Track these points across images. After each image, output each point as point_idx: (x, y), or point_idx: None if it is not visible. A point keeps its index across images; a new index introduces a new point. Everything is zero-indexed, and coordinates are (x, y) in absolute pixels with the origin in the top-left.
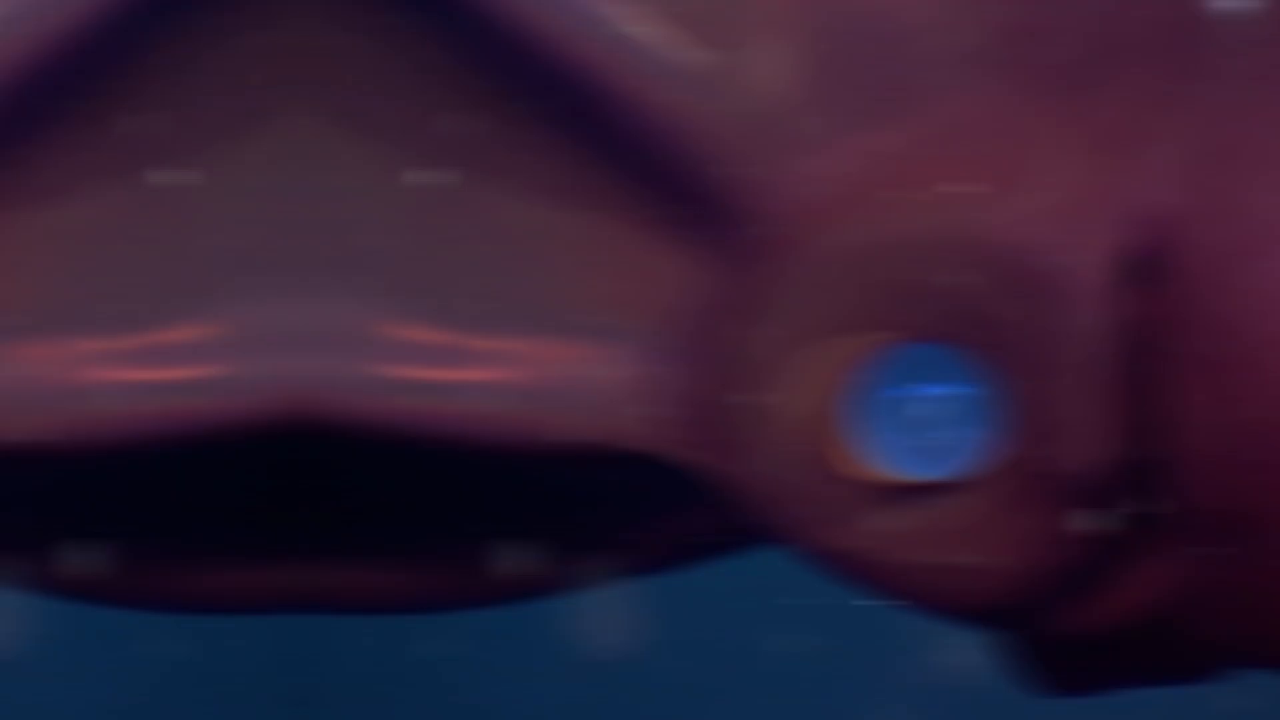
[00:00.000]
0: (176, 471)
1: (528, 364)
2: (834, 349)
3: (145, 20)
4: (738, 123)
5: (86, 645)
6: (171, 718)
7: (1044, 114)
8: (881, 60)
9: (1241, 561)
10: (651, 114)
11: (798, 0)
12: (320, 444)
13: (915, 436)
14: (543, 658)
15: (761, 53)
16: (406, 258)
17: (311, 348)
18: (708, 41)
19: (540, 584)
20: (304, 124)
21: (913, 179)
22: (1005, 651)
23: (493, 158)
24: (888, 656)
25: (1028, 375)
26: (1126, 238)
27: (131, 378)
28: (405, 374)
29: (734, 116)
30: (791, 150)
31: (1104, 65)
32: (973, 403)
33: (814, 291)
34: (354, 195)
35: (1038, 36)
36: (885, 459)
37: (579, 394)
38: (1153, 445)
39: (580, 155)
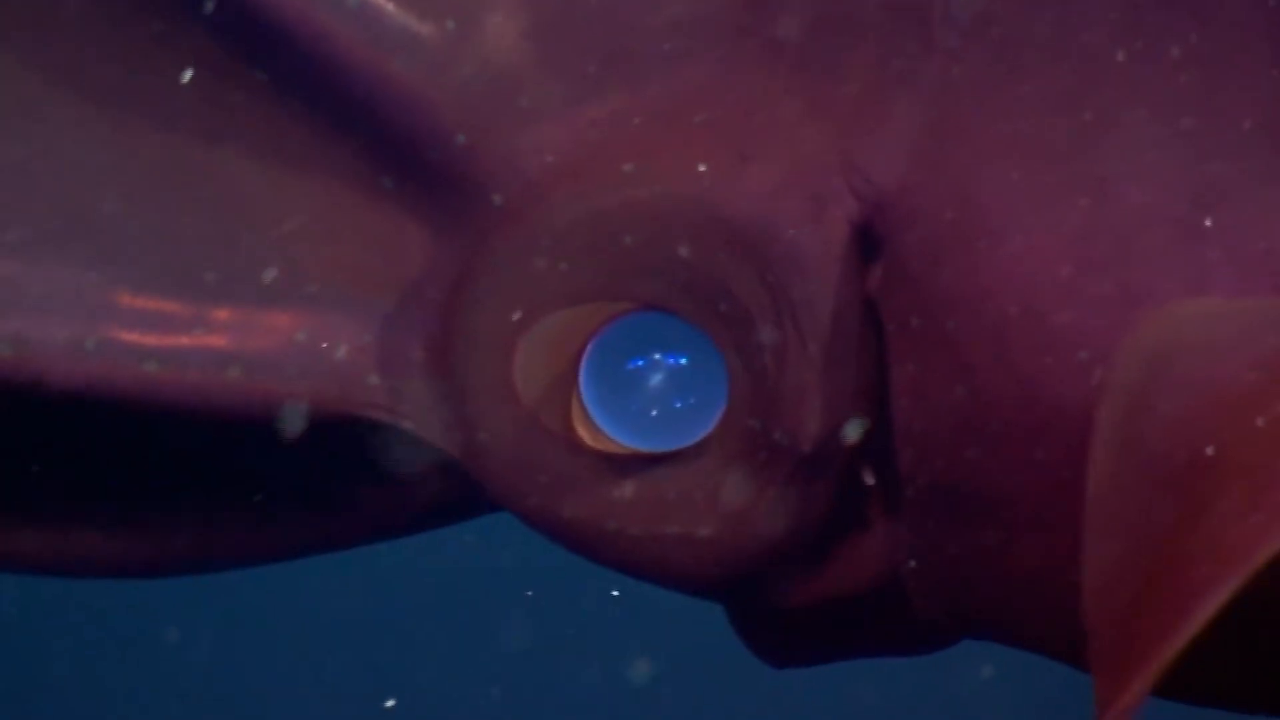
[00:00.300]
0: None
1: (266, 332)
2: (571, 319)
3: None
4: (470, 92)
5: None
6: None
7: (779, 86)
8: (616, 28)
9: (961, 536)
10: (385, 84)
11: None
12: (49, 407)
13: (649, 406)
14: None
15: (493, 21)
16: (140, 223)
17: (39, 311)
18: (439, 11)
19: (262, 550)
20: (22, 83)
21: (648, 148)
22: (732, 622)
23: (227, 125)
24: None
25: (756, 347)
26: (861, 213)
27: None
28: (138, 340)
29: (466, 86)
30: (525, 119)
31: (839, 40)
32: (706, 373)
33: (552, 261)
34: (81, 158)
35: (772, 6)
36: (620, 429)
37: (317, 362)
38: (882, 418)
39: (317, 125)
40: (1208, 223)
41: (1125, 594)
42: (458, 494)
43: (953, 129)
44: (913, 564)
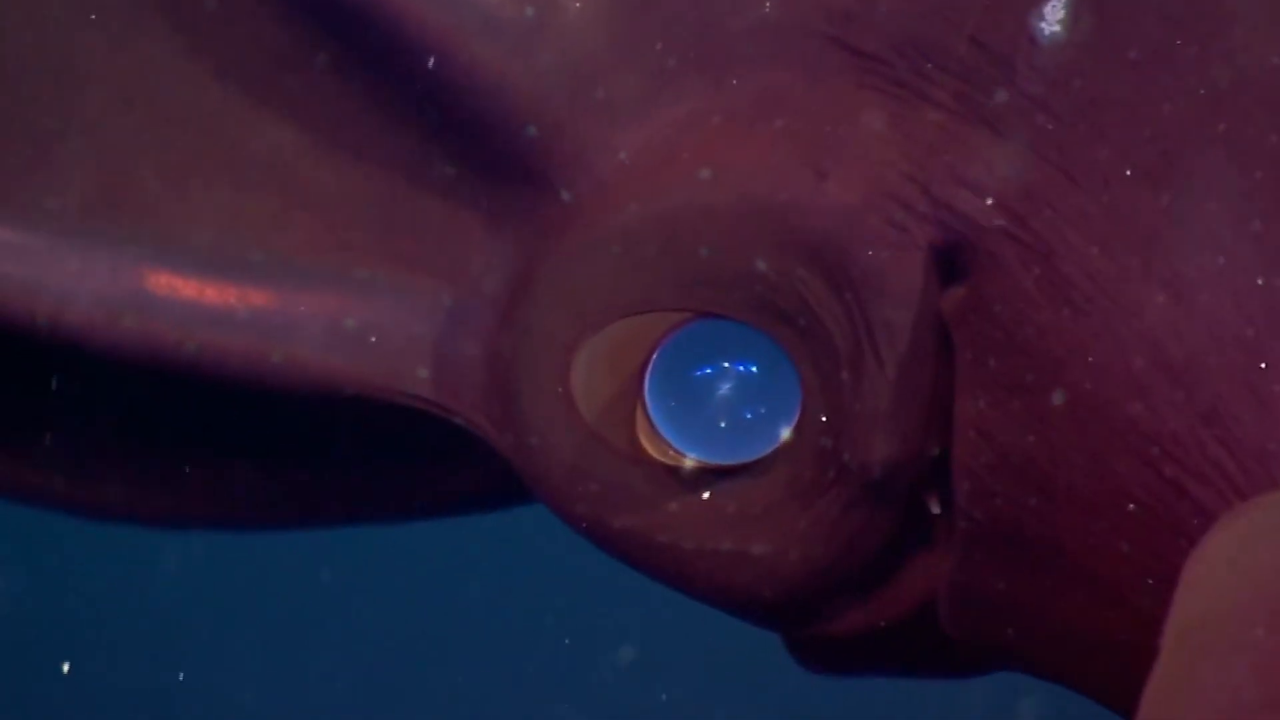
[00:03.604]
0: None
1: (312, 317)
2: (636, 325)
3: None
4: (546, 81)
5: None
6: None
7: (864, 102)
8: (700, 23)
9: (1008, 575)
10: (459, 67)
11: None
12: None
13: (717, 416)
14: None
15: (574, 7)
16: (184, 201)
17: (74, 285)
18: None
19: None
20: (61, 53)
21: (726, 152)
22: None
23: (282, 106)
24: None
25: (833, 364)
26: (942, 239)
27: None
28: (177, 321)
29: (542, 74)
30: (600, 113)
31: (928, 65)
32: (775, 388)
33: (620, 266)
34: (123, 132)
35: (863, 21)
36: (681, 440)
37: (364, 350)
38: (942, 444)
39: (379, 108)
40: (1273, 349)
41: None
42: (500, 483)
43: (1037, 182)
44: (952, 594)
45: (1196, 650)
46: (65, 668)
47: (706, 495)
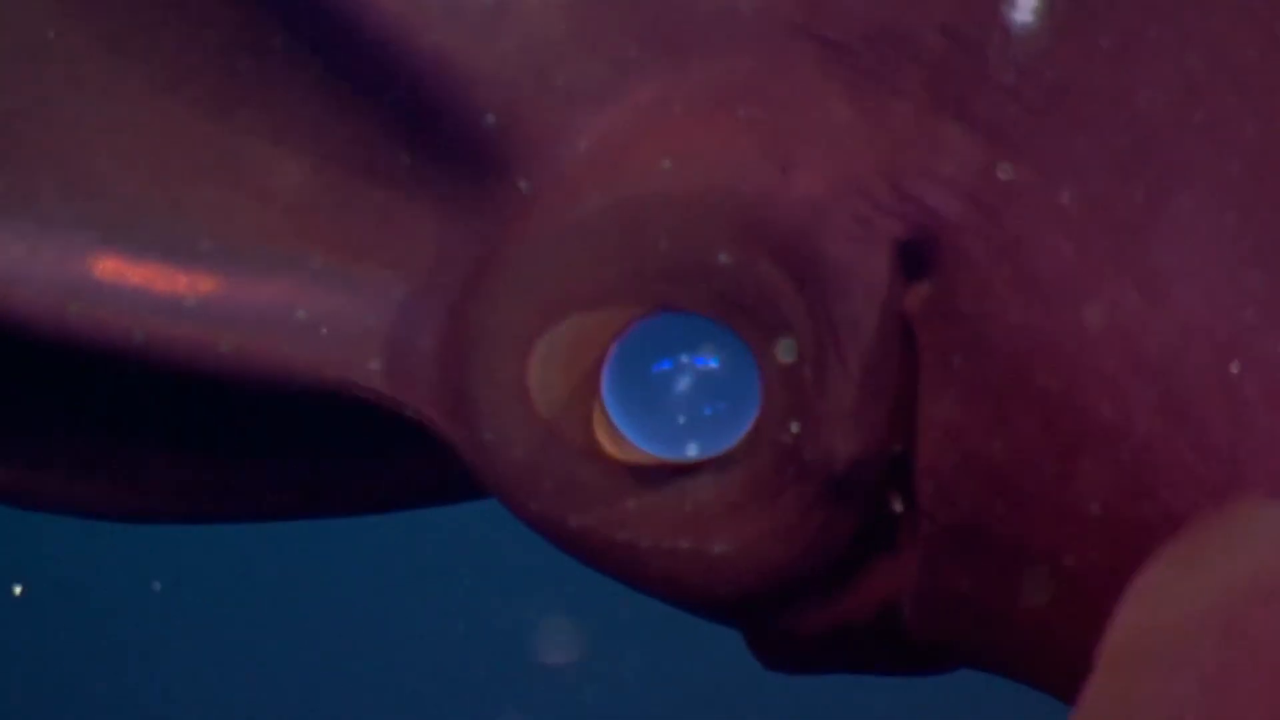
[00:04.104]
0: None
1: (263, 306)
2: (594, 319)
3: None
4: (506, 67)
5: None
6: None
7: (830, 91)
8: (661, 8)
9: (973, 576)
10: (420, 52)
11: None
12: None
13: (676, 412)
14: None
15: None
16: (135, 186)
17: (19, 270)
18: None
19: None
20: (10, 34)
21: (688, 142)
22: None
23: (236, 91)
24: None
25: (802, 358)
26: (908, 233)
27: None
28: (125, 307)
29: (502, 60)
30: (560, 101)
31: (897, 53)
32: (735, 384)
33: (579, 258)
34: (74, 116)
35: (830, 8)
36: (639, 437)
37: (315, 340)
38: (906, 442)
39: (335, 94)
40: (1246, 349)
41: None
42: (455, 478)
43: (1008, 174)
44: (915, 594)
45: (1138, 663)
46: (17, 590)
47: (664, 493)
